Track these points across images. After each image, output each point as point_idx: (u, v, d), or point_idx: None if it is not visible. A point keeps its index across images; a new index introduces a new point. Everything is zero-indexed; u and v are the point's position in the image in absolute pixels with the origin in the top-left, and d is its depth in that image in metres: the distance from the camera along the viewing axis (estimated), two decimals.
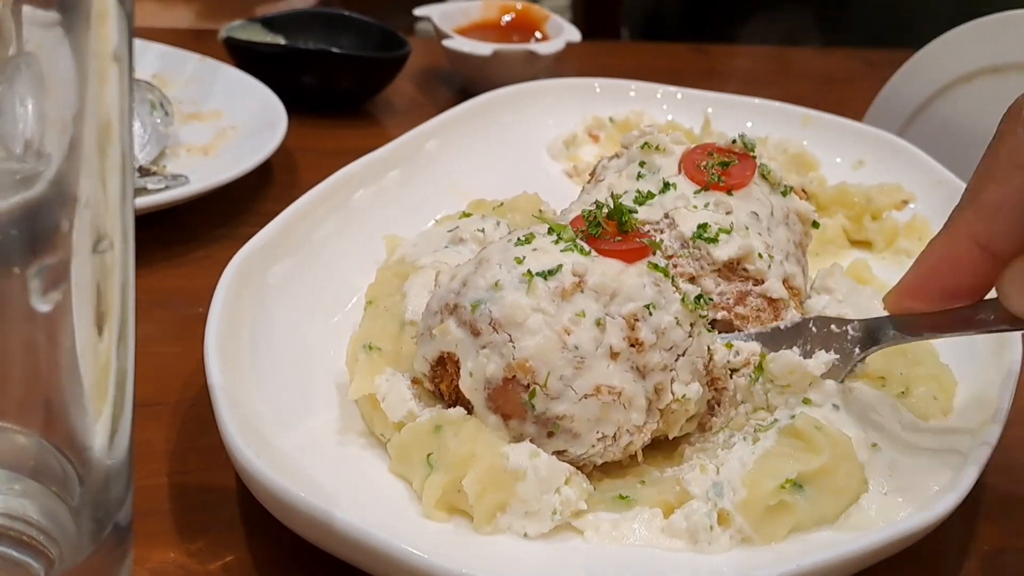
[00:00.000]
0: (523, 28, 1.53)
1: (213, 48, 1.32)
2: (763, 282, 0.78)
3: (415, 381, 0.72)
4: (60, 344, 0.47)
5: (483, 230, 0.85)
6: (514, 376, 0.65)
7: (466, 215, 0.92)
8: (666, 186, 0.83)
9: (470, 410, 0.67)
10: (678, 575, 0.62)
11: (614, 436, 0.66)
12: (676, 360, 0.68)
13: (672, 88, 1.27)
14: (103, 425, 0.51)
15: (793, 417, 0.69)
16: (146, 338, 0.73)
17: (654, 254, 0.70)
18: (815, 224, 0.89)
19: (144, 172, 1.02)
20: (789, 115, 1.22)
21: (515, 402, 0.65)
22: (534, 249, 0.68)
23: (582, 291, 0.66)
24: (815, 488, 0.66)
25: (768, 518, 0.65)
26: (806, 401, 0.72)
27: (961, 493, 0.63)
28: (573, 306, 0.65)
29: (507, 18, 1.53)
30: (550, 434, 0.65)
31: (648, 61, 1.65)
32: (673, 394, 0.68)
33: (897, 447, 0.71)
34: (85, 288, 0.46)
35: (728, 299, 0.77)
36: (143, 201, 0.94)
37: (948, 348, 0.82)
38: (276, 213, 0.85)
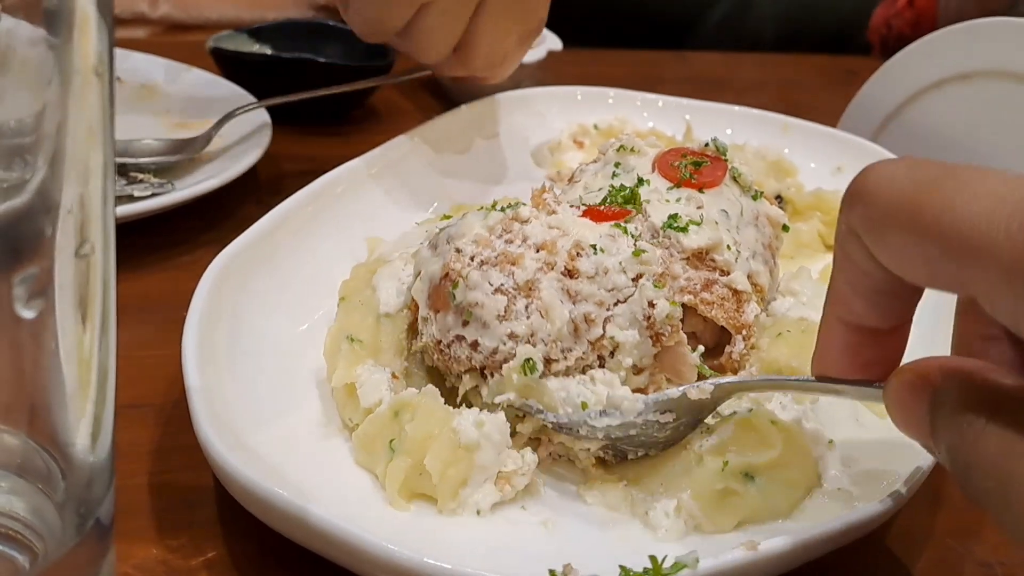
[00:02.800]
0: None
1: (200, 58, 1.34)
2: (729, 274, 0.80)
3: (394, 376, 0.74)
4: (44, 346, 0.49)
5: None
6: (447, 274, 0.72)
7: (447, 217, 0.94)
8: (640, 181, 0.86)
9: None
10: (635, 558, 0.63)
11: (527, 340, 0.70)
12: (616, 304, 0.72)
13: (652, 96, 1.29)
14: (86, 424, 0.53)
15: (750, 411, 0.71)
16: (132, 342, 0.75)
17: (625, 220, 0.76)
18: (785, 228, 0.91)
19: (131, 179, 1.05)
20: (769, 122, 1.24)
21: (444, 295, 0.72)
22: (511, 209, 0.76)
23: (536, 224, 0.73)
24: (766, 479, 0.68)
25: (717, 505, 0.67)
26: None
27: (911, 486, 0.66)
28: (520, 231, 0.73)
29: None
30: (465, 323, 0.71)
31: (630, 68, 1.67)
32: (605, 332, 0.71)
33: (853, 443, 0.73)
34: (68, 291, 0.48)
35: (696, 285, 0.79)
36: (131, 208, 0.96)
37: (908, 349, 0.84)
38: (260, 218, 0.87)
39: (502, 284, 0.70)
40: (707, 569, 0.59)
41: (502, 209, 0.75)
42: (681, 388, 0.70)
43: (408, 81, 1.34)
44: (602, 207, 0.79)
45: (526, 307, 0.70)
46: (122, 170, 1.04)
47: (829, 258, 1.04)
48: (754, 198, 0.89)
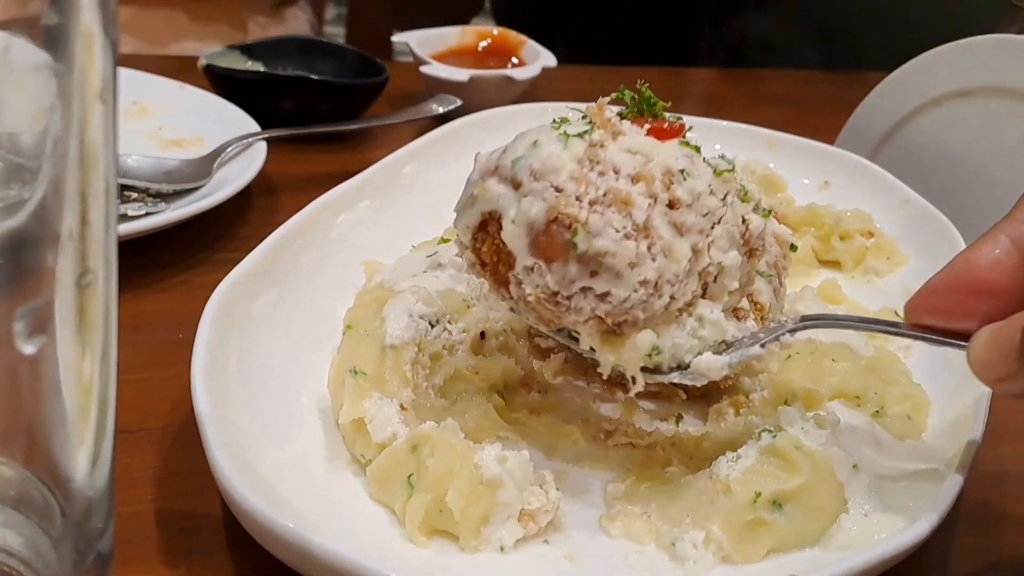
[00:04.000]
0: (500, 54, 1.54)
1: (193, 75, 1.32)
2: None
3: (403, 407, 0.73)
4: (43, 377, 0.48)
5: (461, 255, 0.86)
6: (556, 217, 0.64)
7: (444, 240, 0.93)
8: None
9: (507, 272, 0.67)
10: None
11: (655, 284, 0.65)
12: (712, 228, 0.67)
13: None
14: (84, 454, 0.52)
15: (774, 436, 0.70)
16: (126, 364, 0.73)
17: (684, 136, 0.71)
18: (793, 247, 0.90)
19: (125, 198, 1.03)
20: (756, 137, 1.23)
21: (558, 243, 0.64)
22: (569, 125, 0.68)
23: (616, 149, 0.66)
24: (794, 507, 0.67)
25: (746, 535, 0.66)
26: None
27: (941, 512, 0.65)
28: (609, 161, 0.65)
29: (484, 44, 1.55)
30: (593, 273, 0.64)
31: (624, 85, 1.66)
32: (711, 259, 0.67)
33: (876, 467, 0.72)
34: (69, 321, 0.47)
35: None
36: (123, 228, 0.95)
37: (922, 369, 0.84)
38: (255, 238, 0.86)
39: (625, 227, 0.64)
40: None
41: (579, 135, 0.67)
42: (772, 328, 0.73)
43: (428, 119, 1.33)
44: (652, 122, 0.72)
45: (648, 248, 0.64)
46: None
47: (825, 274, 1.03)
48: (764, 216, 0.87)
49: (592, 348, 0.68)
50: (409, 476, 0.67)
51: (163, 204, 1.03)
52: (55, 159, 0.45)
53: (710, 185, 0.67)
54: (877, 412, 0.77)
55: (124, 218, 0.98)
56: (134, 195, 1.05)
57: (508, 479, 0.66)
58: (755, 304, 0.82)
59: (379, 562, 0.57)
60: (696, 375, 0.68)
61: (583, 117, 0.69)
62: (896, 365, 0.83)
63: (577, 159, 0.65)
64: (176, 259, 1.01)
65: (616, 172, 0.65)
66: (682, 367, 0.68)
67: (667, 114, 0.74)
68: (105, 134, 0.45)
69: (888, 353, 0.85)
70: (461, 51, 1.53)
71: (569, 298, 0.65)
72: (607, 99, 0.73)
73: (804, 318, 0.74)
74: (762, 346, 0.70)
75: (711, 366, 0.67)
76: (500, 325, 0.83)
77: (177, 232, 1.02)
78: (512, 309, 0.70)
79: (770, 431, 0.71)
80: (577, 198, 0.64)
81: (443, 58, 1.47)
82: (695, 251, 0.66)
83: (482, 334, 0.82)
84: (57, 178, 0.46)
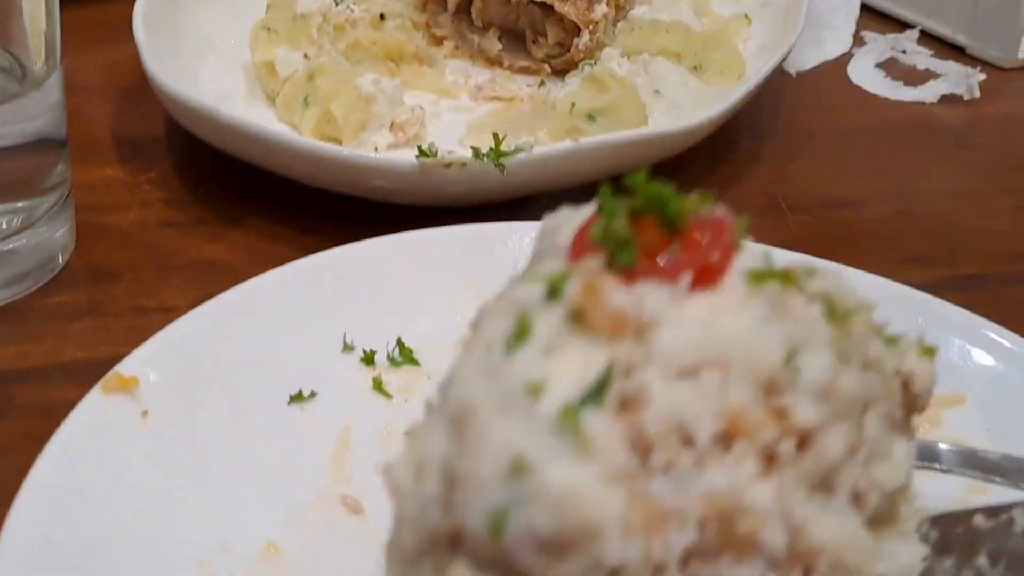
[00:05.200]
0: None
1: None
2: None
3: (306, 56, 0.92)
4: None
5: None
6: None
7: None
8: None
9: None
10: None
11: None
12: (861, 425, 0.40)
13: None
14: (38, 42, 0.71)
15: (593, 66, 0.89)
16: None
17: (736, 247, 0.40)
18: None
19: None
20: None
21: None
22: (545, 350, 0.37)
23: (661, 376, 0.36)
24: (604, 119, 0.86)
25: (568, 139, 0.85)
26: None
27: (722, 108, 0.83)
28: (662, 418, 0.36)
29: None
30: None
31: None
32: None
33: (677, 92, 0.90)
34: None
35: None
36: None
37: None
38: None
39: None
40: (541, 153, 0.77)
41: (586, 403, 0.35)
42: None
43: None
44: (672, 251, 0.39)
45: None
46: None
47: None
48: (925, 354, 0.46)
49: None
50: (305, 97, 0.87)
51: None
52: None
53: (835, 353, 0.39)
54: (695, 67, 0.95)
55: None
56: None
57: (381, 96, 0.86)
58: None
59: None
60: None
61: (551, 292, 0.38)
62: (726, 40, 1.01)
63: (616, 476, 0.35)
64: None
65: (689, 443, 0.36)
66: None
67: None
68: None
69: (722, 31, 1.02)
70: None
71: None
72: (591, 220, 0.41)
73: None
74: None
75: None
76: (399, 9, 1.01)
77: None
78: None
79: (591, 64, 0.89)
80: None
81: None
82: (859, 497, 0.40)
83: (381, 16, 1.00)
84: None
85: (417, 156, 0.75)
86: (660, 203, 0.38)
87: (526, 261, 0.45)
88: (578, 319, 0.36)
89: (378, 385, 0.62)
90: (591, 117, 0.86)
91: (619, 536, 0.33)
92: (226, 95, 0.90)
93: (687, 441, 0.35)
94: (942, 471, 0.55)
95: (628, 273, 0.37)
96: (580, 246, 0.39)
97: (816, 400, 0.37)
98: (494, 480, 0.34)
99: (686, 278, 0.37)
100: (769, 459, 0.36)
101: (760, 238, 0.86)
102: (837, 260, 0.75)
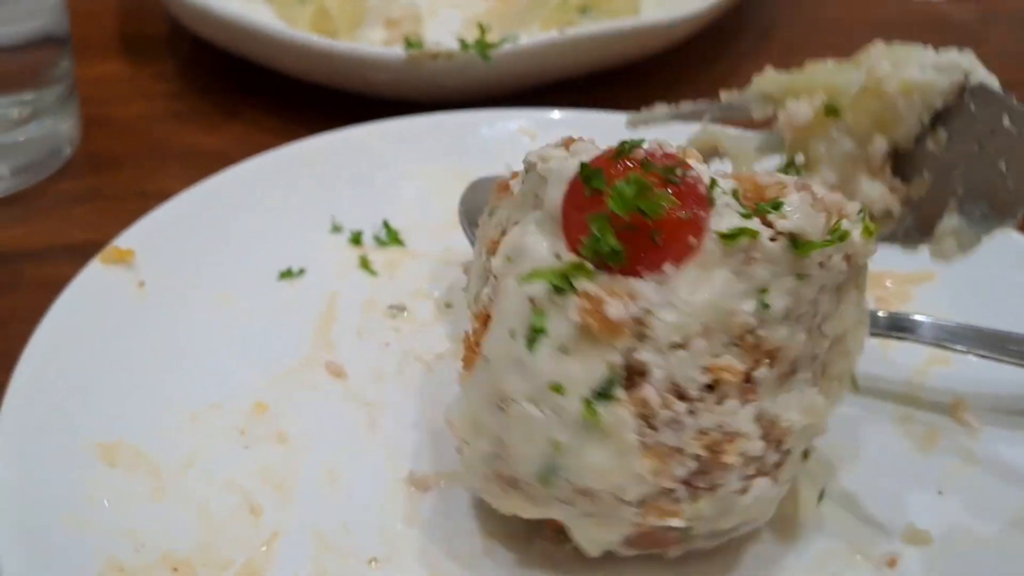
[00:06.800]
0: None
1: None
2: None
3: None
4: None
5: None
6: (651, 530, 0.48)
7: None
8: None
9: None
10: None
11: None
12: (820, 328, 0.49)
13: None
14: None
15: None
16: None
17: (711, 205, 0.46)
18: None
19: None
20: None
21: (667, 539, 0.49)
22: (560, 350, 0.45)
23: (663, 371, 0.45)
24: (596, 11, 0.89)
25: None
26: None
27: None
28: (664, 379, 0.45)
29: None
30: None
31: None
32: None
33: None
34: None
35: None
36: None
37: None
38: None
39: (745, 472, 0.47)
40: (526, 44, 0.79)
41: (600, 396, 0.45)
42: None
43: None
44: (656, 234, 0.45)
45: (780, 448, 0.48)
46: None
47: None
48: (866, 231, 0.50)
49: None
50: None
51: None
52: None
53: (797, 277, 0.46)
54: None
55: None
56: None
57: None
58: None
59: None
60: None
61: (555, 288, 0.45)
62: None
63: (631, 448, 0.45)
64: None
65: (683, 397, 0.45)
66: None
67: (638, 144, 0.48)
68: None
69: None
70: None
71: None
72: (575, 185, 0.46)
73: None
74: None
75: None
76: None
77: None
78: None
79: None
80: (669, 494, 0.46)
81: None
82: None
83: None
84: None
85: (405, 48, 0.77)
86: (637, 205, 0.44)
87: (519, 185, 0.50)
88: (583, 331, 0.44)
89: (364, 263, 0.66)
90: (583, 10, 0.88)
91: (635, 483, 0.45)
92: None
93: (681, 396, 0.45)
94: (907, 340, 0.59)
95: (621, 270, 0.45)
96: (571, 216, 0.46)
97: (783, 322, 0.46)
98: (539, 455, 0.46)
99: (670, 265, 0.45)
100: (748, 385, 0.45)
101: None
102: None
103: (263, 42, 0.80)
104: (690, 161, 0.46)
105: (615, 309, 0.43)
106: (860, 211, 0.48)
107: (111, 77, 0.87)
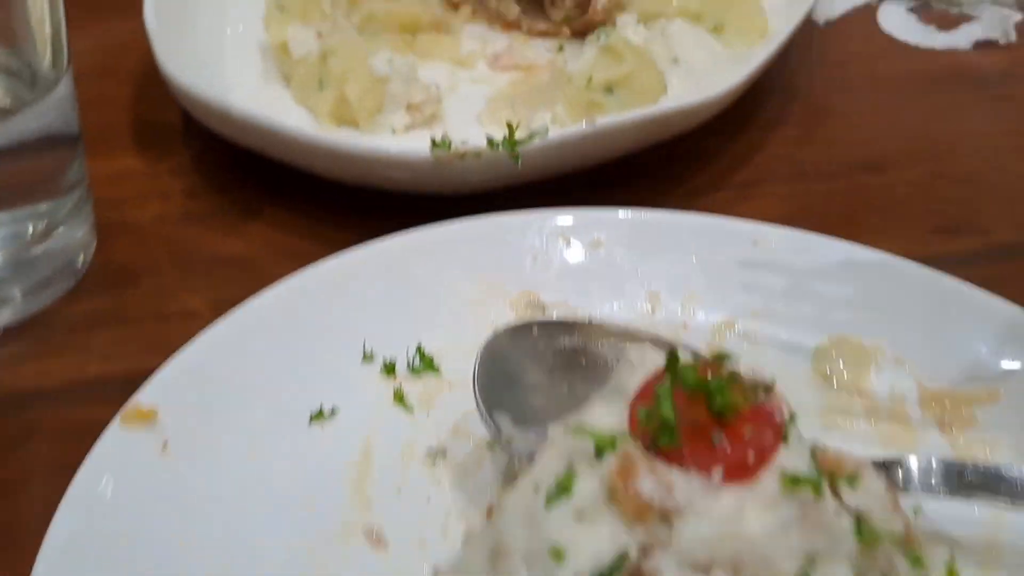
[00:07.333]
0: None
1: None
2: None
3: (319, 35, 0.90)
4: None
5: None
6: None
7: None
8: None
9: None
10: None
11: None
12: None
13: None
14: (45, 44, 0.70)
15: (608, 37, 0.86)
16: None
17: (784, 441, 0.42)
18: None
19: None
20: None
21: None
22: (578, 514, 0.42)
23: None
24: (623, 90, 0.84)
25: (584, 114, 0.83)
26: None
27: (745, 74, 0.81)
28: None
29: None
30: None
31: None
32: None
33: (697, 58, 0.88)
34: None
35: None
36: None
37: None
38: None
39: None
40: (556, 138, 0.75)
41: None
42: None
43: None
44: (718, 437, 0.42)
45: None
46: None
47: None
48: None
49: None
50: (320, 80, 0.85)
51: None
52: None
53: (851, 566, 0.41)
54: (715, 27, 0.92)
55: None
56: None
57: (396, 76, 0.84)
58: None
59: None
60: None
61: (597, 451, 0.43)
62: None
63: None
64: None
65: None
66: None
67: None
68: None
69: None
70: None
71: None
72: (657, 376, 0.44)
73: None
74: None
75: None
76: None
77: None
78: None
79: (606, 33, 0.87)
80: None
81: None
82: None
83: None
84: None
85: (431, 148, 0.74)
86: (707, 395, 0.40)
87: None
88: (611, 495, 0.40)
89: (399, 397, 0.62)
90: (608, 89, 0.84)
91: None
92: (242, 76, 0.89)
93: None
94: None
95: (668, 455, 0.40)
96: (642, 400, 0.43)
97: None
98: None
99: (719, 471, 0.40)
100: None
101: (785, 209, 0.85)
102: (866, 231, 0.75)
103: (279, 142, 0.77)
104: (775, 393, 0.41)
105: (648, 486, 0.39)
106: None
107: (125, 172, 0.84)
